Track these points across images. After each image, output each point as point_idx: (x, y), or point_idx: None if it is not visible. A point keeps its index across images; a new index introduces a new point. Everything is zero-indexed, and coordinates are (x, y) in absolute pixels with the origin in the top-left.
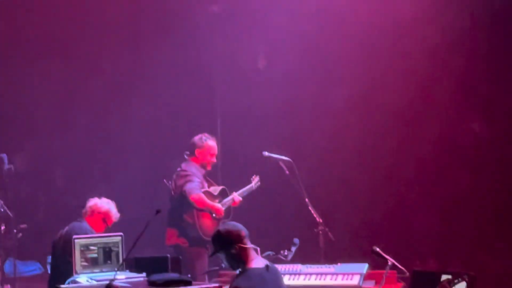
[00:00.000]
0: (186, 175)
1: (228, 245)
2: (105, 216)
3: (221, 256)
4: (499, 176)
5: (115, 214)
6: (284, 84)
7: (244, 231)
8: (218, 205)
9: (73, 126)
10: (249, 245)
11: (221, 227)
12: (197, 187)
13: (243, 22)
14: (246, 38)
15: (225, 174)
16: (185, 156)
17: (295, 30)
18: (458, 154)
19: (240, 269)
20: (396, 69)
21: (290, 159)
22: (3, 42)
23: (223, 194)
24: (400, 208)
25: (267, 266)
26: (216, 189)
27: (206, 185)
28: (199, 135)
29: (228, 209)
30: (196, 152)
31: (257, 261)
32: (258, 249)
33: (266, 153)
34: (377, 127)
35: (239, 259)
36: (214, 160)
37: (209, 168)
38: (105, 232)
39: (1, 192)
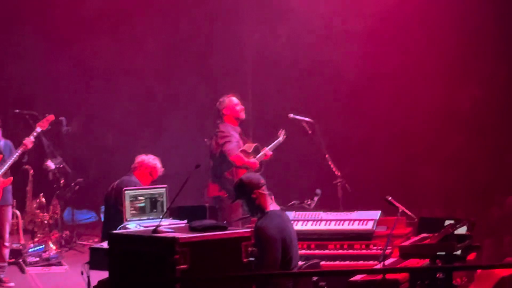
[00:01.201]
0: (225, 136)
1: (248, 192)
2: (151, 170)
3: (242, 201)
4: (493, 137)
5: (160, 168)
6: (306, 53)
7: (262, 179)
8: (254, 160)
9: (121, 92)
10: (266, 191)
11: (242, 177)
12: (235, 148)
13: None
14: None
15: (256, 132)
16: (218, 122)
17: None
18: (458, 116)
19: (259, 213)
20: (402, 44)
21: (312, 120)
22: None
23: (256, 150)
24: (410, 163)
25: (282, 209)
26: (250, 146)
27: (242, 143)
28: (220, 99)
29: (260, 163)
30: (224, 112)
31: (274, 205)
32: (273, 196)
33: (291, 115)
34: (389, 95)
35: (258, 203)
36: (243, 109)
37: (242, 118)
38: (151, 185)
39: (61, 150)
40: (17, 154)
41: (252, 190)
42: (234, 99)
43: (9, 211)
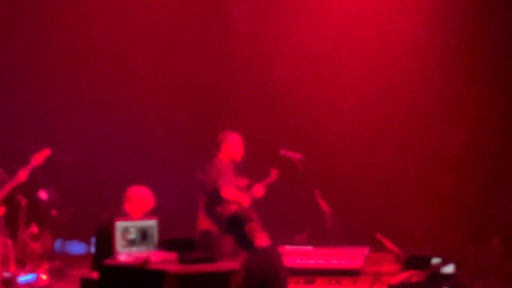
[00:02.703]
0: (218, 171)
1: (239, 226)
2: (143, 202)
3: (233, 235)
4: (481, 178)
5: (151, 200)
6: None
7: (254, 214)
8: (246, 197)
9: (115, 124)
10: (257, 227)
11: (235, 210)
12: (227, 183)
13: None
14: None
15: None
16: (215, 152)
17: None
18: (447, 156)
19: (248, 248)
20: (391, 78)
21: (302, 157)
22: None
23: (248, 187)
24: (398, 202)
25: (271, 245)
26: (242, 182)
27: (234, 179)
28: (223, 132)
29: (252, 200)
30: (222, 148)
31: (264, 241)
32: (265, 232)
33: (282, 151)
34: (378, 134)
35: (248, 238)
36: (241, 152)
37: (237, 160)
38: (142, 217)
39: (53, 181)
40: (10, 185)
41: (243, 224)
42: (238, 140)
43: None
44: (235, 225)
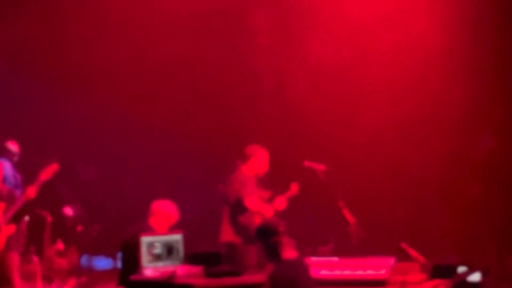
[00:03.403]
0: (241, 182)
1: (267, 237)
2: (168, 216)
3: (260, 246)
4: (508, 186)
5: (176, 214)
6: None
7: (282, 226)
8: (268, 207)
9: (138, 139)
10: (285, 239)
11: (264, 221)
12: (250, 193)
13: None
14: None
15: (270, 181)
16: (239, 164)
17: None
18: (473, 163)
19: (275, 260)
20: (415, 86)
21: (325, 168)
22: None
23: (270, 199)
24: (424, 210)
25: (298, 257)
26: (265, 194)
27: (256, 190)
28: (253, 146)
29: (274, 212)
30: (249, 161)
31: (291, 253)
32: (293, 243)
33: (306, 163)
34: (405, 141)
35: (275, 250)
36: (266, 168)
37: (261, 175)
38: (168, 231)
39: (78, 196)
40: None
41: (272, 236)
42: (266, 156)
43: (15, 257)
44: (264, 236)
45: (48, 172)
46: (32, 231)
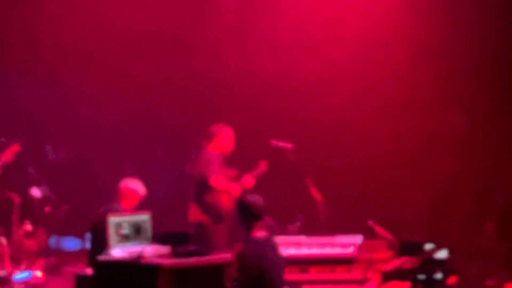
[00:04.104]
0: (206, 162)
1: (247, 214)
2: (135, 194)
3: (238, 219)
4: (477, 164)
5: (143, 192)
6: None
7: (264, 205)
8: (235, 186)
9: (107, 119)
10: (262, 218)
11: (247, 196)
12: (215, 172)
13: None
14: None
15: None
16: (205, 143)
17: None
18: (442, 142)
19: (245, 237)
20: (386, 71)
21: (292, 146)
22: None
23: (237, 178)
24: (393, 188)
25: (268, 237)
26: (231, 173)
27: (222, 169)
28: (217, 124)
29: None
30: (214, 140)
31: (262, 232)
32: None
33: (273, 142)
34: (373, 119)
35: (249, 227)
36: (232, 146)
37: (226, 155)
38: (136, 210)
39: (46, 178)
40: None
41: (251, 212)
42: (230, 134)
43: None
44: (243, 210)
45: (9, 153)
46: (0, 213)
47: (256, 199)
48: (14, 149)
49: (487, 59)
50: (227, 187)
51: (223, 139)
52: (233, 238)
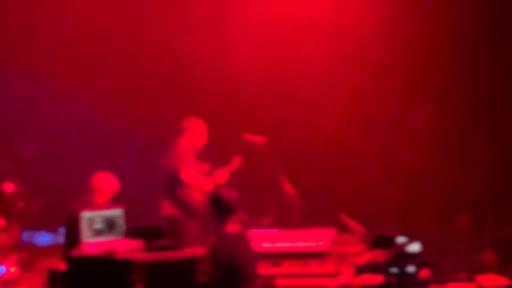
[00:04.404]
0: (178, 156)
1: (219, 206)
2: (108, 188)
3: (212, 213)
4: (448, 155)
5: (116, 185)
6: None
7: (237, 199)
8: (207, 180)
9: (79, 114)
10: (236, 212)
11: (221, 190)
12: (187, 166)
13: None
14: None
15: (211, 154)
16: (177, 138)
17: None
18: (414, 134)
19: (217, 231)
20: (355, 57)
21: (265, 140)
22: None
23: (211, 172)
24: (365, 181)
25: (240, 231)
26: (204, 168)
27: (195, 164)
28: (188, 118)
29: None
30: (186, 134)
31: (235, 226)
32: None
33: (246, 136)
34: (345, 112)
35: (223, 222)
36: (204, 140)
37: (200, 147)
38: (108, 205)
39: (18, 173)
40: None
41: (224, 206)
42: (203, 128)
43: None
44: (216, 205)
45: None
46: None
47: (229, 193)
48: None
49: (461, 52)
50: (198, 182)
51: (195, 133)
52: (205, 232)
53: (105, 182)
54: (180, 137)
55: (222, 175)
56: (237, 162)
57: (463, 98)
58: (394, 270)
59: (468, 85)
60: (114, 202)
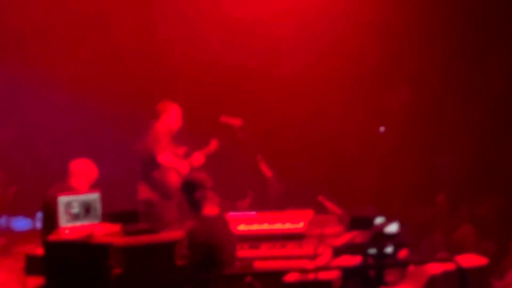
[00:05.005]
0: (154, 139)
1: (191, 190)
2: (87, 175)
3: (184, 199)
4: (425, 136)
5: (94, 173)
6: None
7: (209, 182)
8: (183, 163)
9: (55, 98)
10: (210, 194)
11: (191, 174)
12: (163, 149)
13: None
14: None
15: (188, 138)
16: (152, 121)
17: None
18: (389, 116)
19: (195, 215)
20: (330, 41)
21: (241, 123)
22: None
23: (187, 155)
24: (342, 163)
25: (219, 214)
26: (180, 150)
27: (171, 147)
28: (163, 102)
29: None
30: (161, 117)
31: (212, 209)
32: (217, 199)
33: (223, 118)
34: (321, 94)
35: (197, 205)
36: (179, 123)
37: (175, 131)
38: (87, 190)
39: None
40: None
41: (196, 190)
42: (177, 111)
43: None
44: (188, 189)
45: None
46: None
47: (200, 176)
48: None
49: (437, 34)
50: (175, 164)
51: (170, 116)
52: (183, 215)
53: (84, 168)
54: (155, 120)
55: (198, 158)
56: (213, 145)
57: (439, 79)
58: (373, 251)
59: (444, 66)
60: (93, 186)
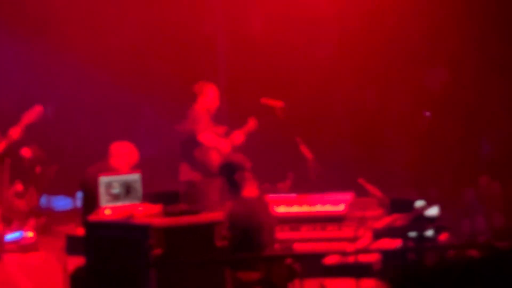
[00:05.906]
0: (194, 119)
1: (231, 172)
2: (127, 158)
3: (223, 181)
4: (466, 117)
5: (135, 155)
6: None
7: (248, 163)
8: (224, 142)
9: (95, 78)
10: (249, 176)
11: (230, 156)
12: (204, 128)
13: None
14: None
15: (228, 118)
16: (191, 102)
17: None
18: (429, 97)
19: (234, 197)
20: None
21: (282, 104)
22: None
23: (226, 134)
24: (382, 145)
25: (258, 196)
26: (220, 130)
27: (211, 126)
28: (199, 83)
29: (233, 148)
30: (198, 99)
31: (252, 190)
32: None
33: (263, 100)
34: (361, 77)
35: (236, 186)
36: (216, 103)
37: (212, 111)
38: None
39: (36, 137)
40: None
41: (235, 171)
42: (214, 91)
43: None
44: (227, 172)
45: (31, 114)
46: None
47: (237, 157)
48: (36, 110)
49: (474, 15)
50: (216, 143)
51: (207, 97)
52: (225, 196)
53: (125, 151)
54: (194, 101)
55: (239, 137)
56: (252, 123)
57: (479, 61)
58: (413, 234)
59: (484, 47)
60: (133, 168)
